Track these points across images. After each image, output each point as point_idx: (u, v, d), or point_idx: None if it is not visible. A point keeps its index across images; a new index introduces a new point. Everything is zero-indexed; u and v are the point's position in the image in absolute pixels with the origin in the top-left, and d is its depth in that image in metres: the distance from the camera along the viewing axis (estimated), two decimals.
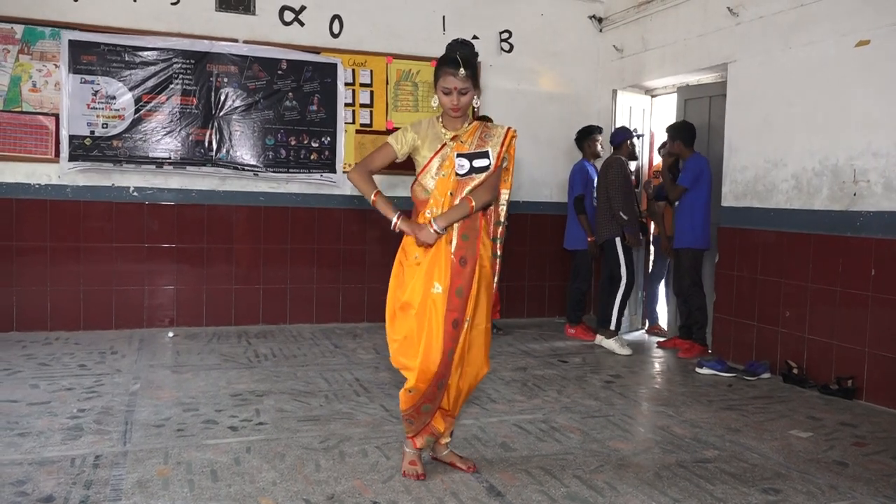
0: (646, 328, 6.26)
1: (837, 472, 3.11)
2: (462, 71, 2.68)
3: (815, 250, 4.54)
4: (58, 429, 3.32)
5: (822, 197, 4.50)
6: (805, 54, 4.60)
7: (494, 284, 2.92)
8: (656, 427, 3.65)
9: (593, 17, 6.75)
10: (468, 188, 2.77)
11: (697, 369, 4.83)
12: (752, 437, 3.53)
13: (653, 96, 6.66)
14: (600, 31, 6.77)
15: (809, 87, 4.58)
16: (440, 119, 2.85)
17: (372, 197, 2.80)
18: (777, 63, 4.80)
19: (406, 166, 2.99)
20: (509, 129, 2.86)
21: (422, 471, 2.88)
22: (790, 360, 4.64)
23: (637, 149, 6.13)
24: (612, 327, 5.45)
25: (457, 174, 2.76)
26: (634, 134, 5.94)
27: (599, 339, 5.49)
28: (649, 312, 6.27)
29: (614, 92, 6.54)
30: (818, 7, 4.50)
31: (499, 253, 2.92)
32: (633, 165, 5.86)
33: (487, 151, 2.79)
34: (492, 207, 2.92)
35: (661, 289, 6.24)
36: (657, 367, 5.03)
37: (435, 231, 2.71)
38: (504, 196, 2.93)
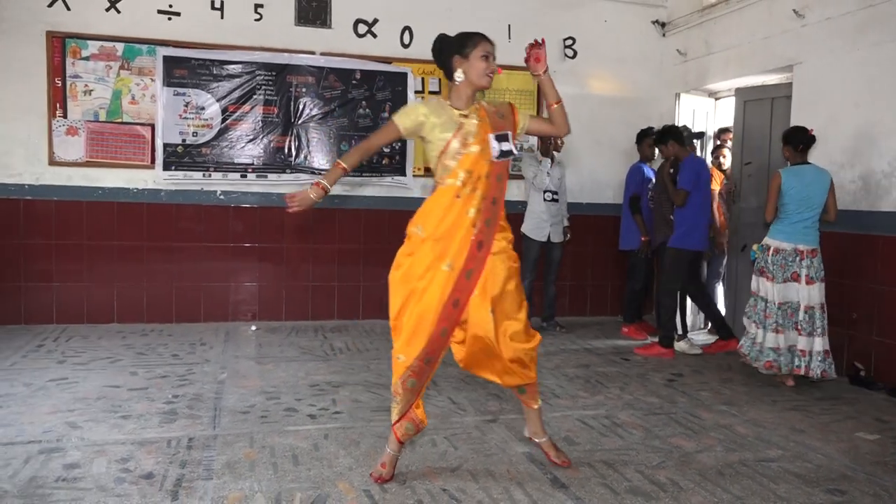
0: (708, 328, 6.23)
1: None
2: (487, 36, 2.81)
3: (884, 252, 4.48)
4: (155, 412, 3.57)
5: (890, 198, 4.44)
6: (872, 55, 4.54)
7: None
8: (719, 425, 3.65)
9: (656, 21, 6.78)
10: (500, 174, 2.80)
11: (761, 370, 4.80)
12: (817, 438, 3.49)
13: (716, 99, 6.63)
14: (663, 35, 6.78)
15: (877, 87, 4.52)
16: (449, 101, 2.84)
17: (337, 164, 2.77)
18: (843, 64, 4.75)
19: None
20: (509, 102, 2.95)
21: (388, 476, 2.84)
22: (857, 362, 4.60)
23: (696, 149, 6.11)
24: (679, 331, 5.45)
25: (493, 157, 2.77)
26: (693, 134, 5.89)
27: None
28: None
29: (677, 95, 6.55)
30: (887, 7, 4.44)
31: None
32: None
33: (507, 134, 2.82)
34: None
35: (720, 288, 6.21)
36: (720, 366, 5.02)
37: (322, 189, 2.69)
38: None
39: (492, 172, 2.78)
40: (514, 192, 6.09)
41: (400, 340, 2.77)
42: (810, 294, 4.34)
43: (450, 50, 2.83)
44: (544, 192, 5.81)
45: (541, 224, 5.81)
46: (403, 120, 2.78)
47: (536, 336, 2.92)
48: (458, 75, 2.79)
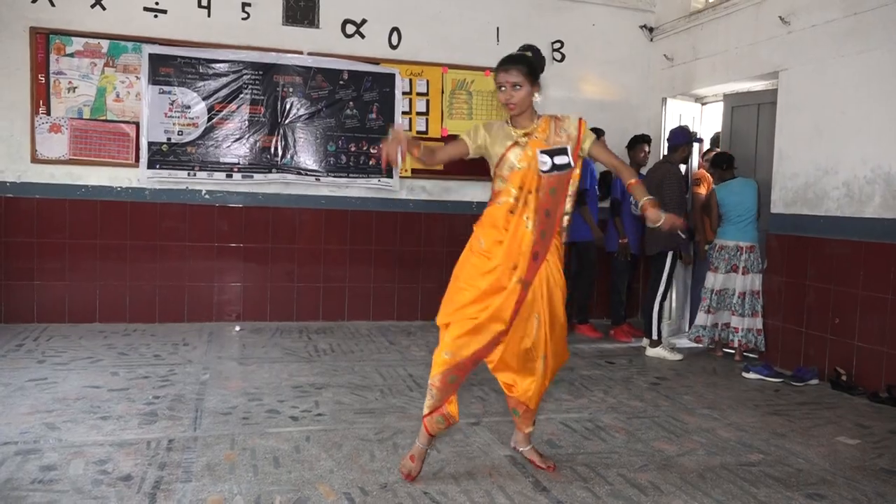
0: (687, 332, 6.25)
1: (885, 479, 3.07)
2: (518, 65, 2.78)
3: (866, 258, 4.52)
4: (135, 414, 3.53)
5: (873, 205, 4.48)
6: (858, 62, 4.58)
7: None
8: (701, 429, 3.67)
9: (644, 26, 6.82)
10: (554, 187, 2.84)
11: (744, 374, 4.86)
12: (798, 443, 3.51)
13: (703, 104, 6.67)
14: (651, 40, 6.82)
15: (862, 94, 4.56)
16: (509, 122, 2.91)
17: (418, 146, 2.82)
18: (829, 71, 4.79)
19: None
20: (580, 119, 2.92)
21: (415, 472, 2.88)
22: (839, 367, 4.63)
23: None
24: (654, 336, 5.48)
25: (541, 171, 2.82)
26: (694, 138, 5.87)
27: (648, 350, 5.49)
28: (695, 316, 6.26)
29: (664, 100, 6.58)
30: (872, 15, 4.48)
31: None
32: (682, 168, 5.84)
33: (566, 149, 2.84)
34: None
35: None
36: (703, 370, 5.04)
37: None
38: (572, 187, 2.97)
39: (543, 186, 2.83)
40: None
41: (453, 336, 2.81)
42: (744, 283, 5.29)
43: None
44: None
45: None
46: (471, 141, 2.91)
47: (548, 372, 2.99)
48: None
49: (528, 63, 2.81)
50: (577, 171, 2.90)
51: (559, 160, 2.83)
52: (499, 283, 2.80)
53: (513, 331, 2.85)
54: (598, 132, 5.72)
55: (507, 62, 2.82)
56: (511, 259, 2.81)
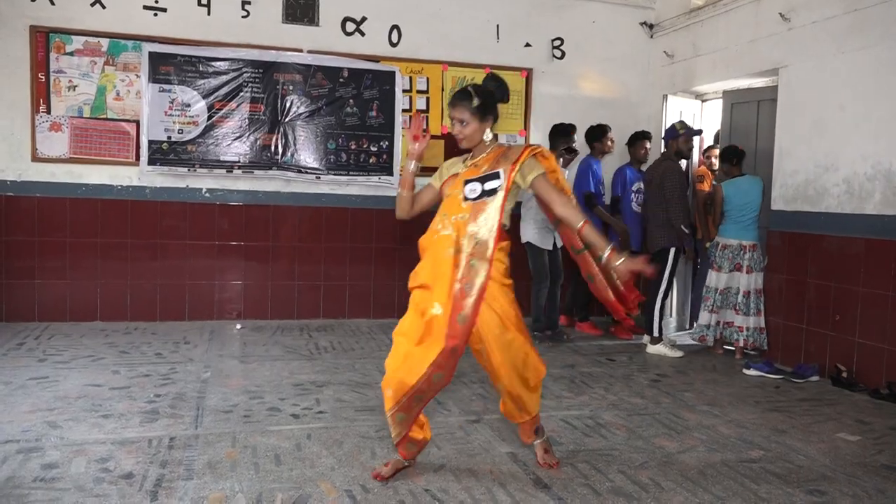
0: (693, 328, 6.26)
1: (886, 476, 3.08)
2: (462, 102, 2.81)
3: (867, 254, 4.52)
4: (136, 412, 3.54)
5: (874, 201, 4.48)
6: (858, 59, 4.58)
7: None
8: (702, 426, 3.68)
9: (644, 23, 6.81)
10: (485, 213, 2.73)
11: (745, 371, 4.87)
12: (799, 439, 3.52)
13: (703, 101, 6.66)
14: (651, 37, 6.81)
15: (862, 91, 4.56)
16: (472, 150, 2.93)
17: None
18: (829, 68, 4.79)
19: None
20: (528, 146, 2.87)
21: (385, 475, 2.86)
22: (839, 364, 4.64)
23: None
24: (655, 333, 5.48)
25: (466, 198, 2.77)
26: (682, 130, 5.82)
27: (649, 347, 5.50)
28: (696, 313, 6.26)
29: (664, 97, 6.59)
30: (872, 11, 4.48)
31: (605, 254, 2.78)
32: (682, 164, 5.84)
33: (499, 172, 2.77)
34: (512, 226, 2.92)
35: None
36: (704, 367, 5.05)
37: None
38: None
39: (472, 214, 2.75)
40: None
41: (388, 371, 2.77)
42: (748, 281, 5.24)
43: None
44: None
45: (545, 232, 5.57)
46: (436, 181, 2.98)
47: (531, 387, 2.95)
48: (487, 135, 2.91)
49: (474, 99, 2.80)
50: (503, 201, 2.74)
51: (490, 185, 2.76)
52: (425, 312, 2.73)
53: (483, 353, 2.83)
54: (572, 151, 5.70)
55: (455, 98, 2.86)
56: (437, 286, 2.73)
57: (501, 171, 2.77)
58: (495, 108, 2.89)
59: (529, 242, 5.59)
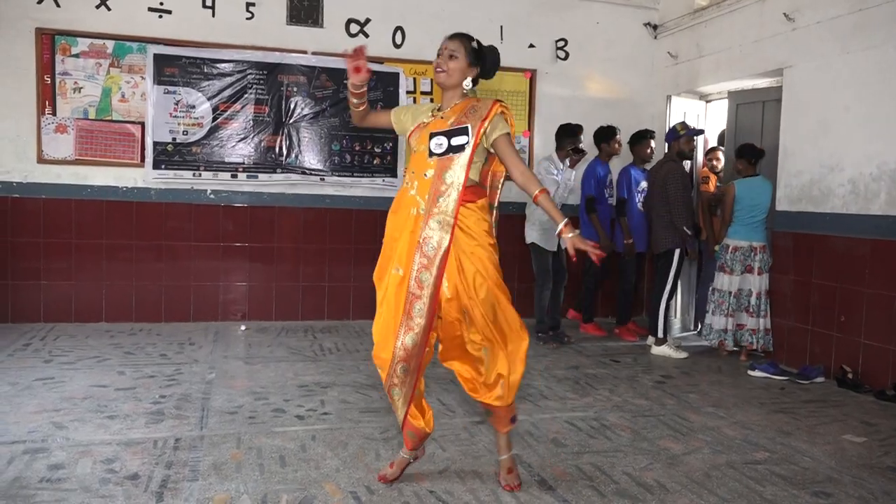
0: (699, 329, 6.25)
1: (892, 477, 3.07)
2: (462, 38, 2.71)
3: (872, 255, 4.51)
4: (142, 413, 3.55)
5: (879, 202, 4.47)
6: (863, 59, 4.57)
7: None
8: (706, 428, 3.67)
9: (648, 24, 6.80)
10: (451, 169, 2.61)
11: (750, 372, 4.86)
12: (804, 441, 3.51)
13: (707, 101, 6.65)
14: (655, 37, 6.80)
15: (867, 91, 4.54)
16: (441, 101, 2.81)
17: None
18: (834, 68, 4.78)
19: None
20: (495, 101, 2.70)
21: (391, 477, 2.83)
22: (845, 365, 4.62)
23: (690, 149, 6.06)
24: (660, 334, 5.47)
25: (432, 153, 2.64)
26: (682, 132, 5.68)
27: (653, 349, 5.48)
28: (700, 314, 6.25)
29: (668, 97, 6.58)
30: (877, 12, 4.47)
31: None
32: (686, 165, 5.83)
33: (467, 127, 2.62)
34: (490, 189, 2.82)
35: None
36: (709, 369, 5.04)
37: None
38: (499, 180, 2.83)
39: (439, 170, 2.63)
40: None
41: (374, 344, 2.78)
42: (760, 283, 5.22)
43: None
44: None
45: (550, 234, 5.47)
46: (395, 116, 2.87)
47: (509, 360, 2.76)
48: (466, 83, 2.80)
49: (474, 41, 2.74)
50: (470, 159, 2.62)
51: (456, 140, 2.61)
52: (387, 276, 2.72)
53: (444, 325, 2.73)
54: (579, 151, 5.66)
55: (456, 33, 2.77)
56: (396, 245, 2.69)
57: (469, 126, 2.63)
58: (485, 66, 2.77)
59: (533, 243, 5.58)
